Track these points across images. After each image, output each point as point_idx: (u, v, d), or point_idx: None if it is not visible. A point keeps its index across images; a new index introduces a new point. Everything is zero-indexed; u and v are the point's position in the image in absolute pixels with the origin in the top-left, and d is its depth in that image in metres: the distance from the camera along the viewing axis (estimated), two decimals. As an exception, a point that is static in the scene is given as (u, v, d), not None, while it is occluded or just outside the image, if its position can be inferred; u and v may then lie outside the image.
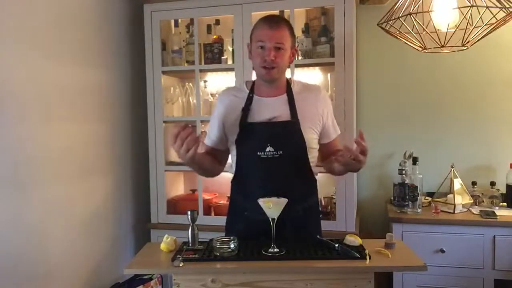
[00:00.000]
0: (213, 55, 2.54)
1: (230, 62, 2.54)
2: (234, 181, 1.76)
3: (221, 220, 1.89)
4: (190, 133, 1.45)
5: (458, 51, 2.00)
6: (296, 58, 2.42)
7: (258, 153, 1.61)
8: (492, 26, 1.84)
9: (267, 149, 1.60)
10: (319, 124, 1.69)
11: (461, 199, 2.34)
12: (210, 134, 1.78)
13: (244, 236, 1.59)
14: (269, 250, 1.48)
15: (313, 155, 1.69)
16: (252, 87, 1.72)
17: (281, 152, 1.60)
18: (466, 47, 1.94)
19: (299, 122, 1.63)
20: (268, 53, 1.58)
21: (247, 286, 1.44)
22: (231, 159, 1.79)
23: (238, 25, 2.38)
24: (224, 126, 1.72)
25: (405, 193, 2.36)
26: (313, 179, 1.73)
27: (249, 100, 1.69)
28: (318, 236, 1.61)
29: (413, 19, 1.85)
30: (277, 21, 1.62)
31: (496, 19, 1.82)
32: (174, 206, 2.69)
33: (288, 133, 1.63)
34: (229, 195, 1.83)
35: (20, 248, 1.87)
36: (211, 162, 1.75)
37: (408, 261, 1.45)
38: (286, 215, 1.53)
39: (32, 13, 1.93)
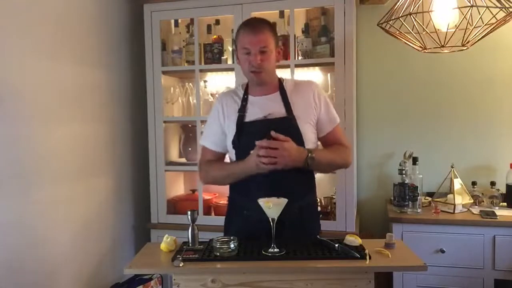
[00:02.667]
0: (213, 55, 2.54)
1: (230, 62, 2.54)
2: None
3: (221, 220, 1.89)
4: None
5: (458, 51, 2.00)
6: (296, 58, 2.42)
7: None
8: (492, 26, 1.84)
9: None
10: (314, 117, 1.70)
11: (461, 199, 2.34)
12: (214, 139, 1.78)
13: (243, 235, 1.59)
14: (269, 250, 1.48)
15: None
16: (246, 88, 1.74)
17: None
18: (466, 47, 1.94)
19: (295, 118, 1.64)
20: (254, 58, 1.60)
21: (247, 286, 1.44)
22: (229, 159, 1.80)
23: (238, 25, 2.37)
24: (224, 128, 1.73)
25: (405, 193, 2.36)
26: (311, 175, 1.73)
27: (244, 101, 1.71)
28: (318, 236, 1.61)
29: (413, 19, 1.85)
30: (257, 25, 1.64)
31: (496, 19, 1.82)
32: (174, 206, 2.69)
33: (284, 129, 1.62)
34: (228, 195, 1.83)
35: (21, 248, 1.87)
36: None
37: (408, 261, 1.45)
38: (285, 213, 1.52)
39: (32, 13, 1.93)
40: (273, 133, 1.54)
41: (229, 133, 1.71)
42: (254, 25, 1.65)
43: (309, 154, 1.59)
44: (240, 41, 1.65)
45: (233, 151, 1.70)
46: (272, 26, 1.68)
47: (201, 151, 1.84)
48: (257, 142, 1.54)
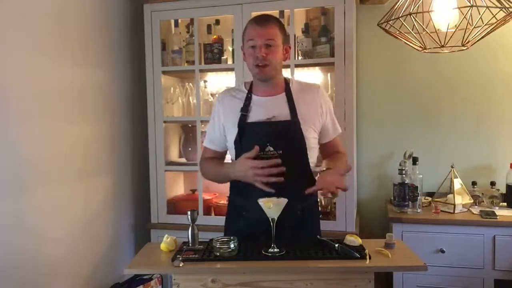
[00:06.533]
0: (213, 55, 2.54)
1: (230, 62, 2.54)
2: (233, 182, 1.76)
3: (221, 220, 1.89)
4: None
5: (458, 51, 2.00)
6: (296, 58, 2.42)
7: (258, 152, 1.60)
8: (492, 26, 1.84)
9: (267, 149, 1.60)
10: (319, 123, 1.69)
11: (461, 199, 2.34)
12: (213, 138, 1.78)
13: (244, 235, 1.59)
14: (269, 250, 1.48)
15: (312, 155, 1.69)
16: (251, 87, 1.72)
17: (280, 151, 1.60)
18: (466, 47, 1.94)
19: (299, 122, 1.63)
20: (259, 50, 1.58)
21: (247, 286, 1.44)
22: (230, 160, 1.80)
23: (238, 25, 2.38)
24: (224, 127, 1.72)
25: (405, 193, 2.36)
26: (312, 179, 1.72)
27: (248, 100, 1.69)
28: (318, 236, 1.61)
29: (413, 19, 1.85)
30: (265, 19, 1.64)
31: (496, 19, 1.82)
32: (174, 206, 2.69)
33: (288, 132, 1.62)
34: (229, 195, 1.83)
35: (21, 248, 1.87)
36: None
37: (408, 261, 1.45)
38: (285, 215, 1.52)
39: (32, 13, 1.93)
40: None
41: (228, 132, 1.71)
42: (261, 18, 1.64)
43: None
44: (247, 34, 1.63)
45: (233, 151, 1.70)
46: (281, 23, 1.66)
47: (203, 149, 1.86)
48: (252, 163, 1.54)
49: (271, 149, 1.60)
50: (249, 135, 1.64)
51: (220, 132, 1.74)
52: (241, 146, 1.66)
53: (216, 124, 1.76)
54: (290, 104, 1.65)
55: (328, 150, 1.77)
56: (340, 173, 1.55)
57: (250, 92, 1.71)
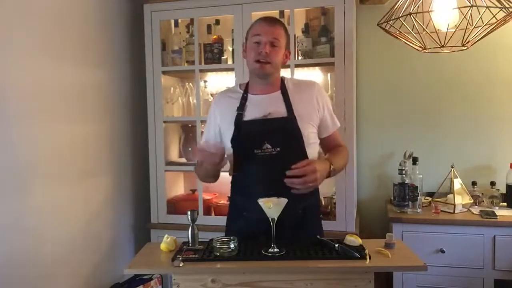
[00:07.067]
0: (213, 55, 2.54)
1: (230, 62, 2.54)
2: (233, 181, 1.77)
3: (221, 220, 1.89)
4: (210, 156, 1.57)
5: (458, 51, 2.00)
6: (296, 58, 2.42)
7: (255, 150, 1.60)
8: (492, 26, 1.84)
9: (264, 146, 1.59)
10: (316, 118, 1.69)
11: (461, 199, 2.34)
12: (208, 140, 1.78)
13: (244, 235, 1.59)
14: (269, 250, 1.48)
15: (312, 151, 1.68)
16: (246, 87, 1.73)
17: (278, 149, 1.59)
18: (466, 47, 1.94)
19: (296, 118, 1.62)
20: (263, 46, 1.60)
21: (247, 286, 1.44)
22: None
23: (238, 25, 2.38)
24: (221, 129, 1.72)
25: (405, 193, 2.36)
26: None
27: (244, 100, 1.69)
28: (318, 236, 1.61)
29: (413, 19, 1.85)
30: (274, 19, 1.69)
31: (496, 19, 1.82)
32: (174, 206, 2.69)
33: (285, 129, 1.62)
34: (229, 195, 1.82)
35: (21, 248, 1.87)
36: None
37: (408, 261, 1.45)
38: (286, 215, 1.51)
39: (33, 13, 1.93)
40: (289, 172, 1.48)
41: (225, 132, 1.70)
42: (270, 18, 1.69)
43: (332, 166, 1.59)
44: (253, 30, 1.65)
45: (231, 151, 1.69)
46: (286, 28, 1.69)
47: None
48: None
49: (269, 146, 1.59)
50: (246, 133, 1.63)
51: (216, 134, 1.74)
52: (238, 144, 1.65)
53: (211, 125, 1.76)
54: (286, 101, 1.65)
55: (329, 144, 1.77)
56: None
57: (246, 91, 1.71)
